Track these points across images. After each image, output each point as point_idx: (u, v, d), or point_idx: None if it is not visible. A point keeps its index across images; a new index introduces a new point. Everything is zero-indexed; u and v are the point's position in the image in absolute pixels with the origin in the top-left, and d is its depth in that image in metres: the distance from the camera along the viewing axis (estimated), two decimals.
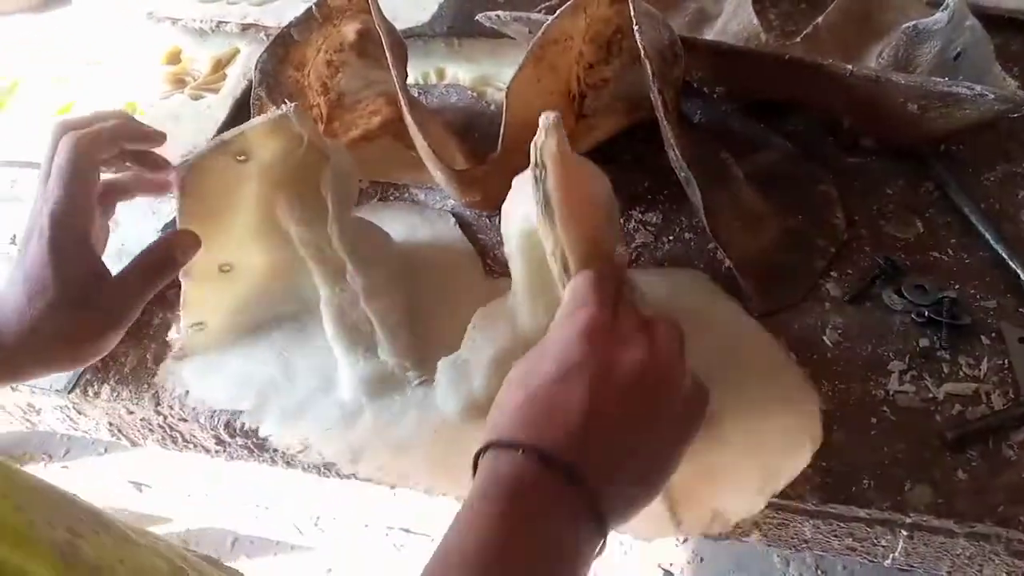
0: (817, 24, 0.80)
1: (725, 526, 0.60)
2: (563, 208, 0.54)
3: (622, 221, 0.77)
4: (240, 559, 1.60)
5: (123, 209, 0.86)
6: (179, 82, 1.02)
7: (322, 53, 0.80)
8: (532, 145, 0.55)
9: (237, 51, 1.02)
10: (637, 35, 0.60)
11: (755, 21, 0.81)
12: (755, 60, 0.71)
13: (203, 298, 0.73)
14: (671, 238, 0.76)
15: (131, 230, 0.85)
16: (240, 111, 0.94)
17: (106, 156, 0.65)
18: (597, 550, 0.46)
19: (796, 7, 0.93)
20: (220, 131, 0.91)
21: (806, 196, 0.74)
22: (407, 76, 0.78)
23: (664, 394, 0.48)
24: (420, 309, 0.73)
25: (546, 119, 0.55)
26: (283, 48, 0.80)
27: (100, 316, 0.63)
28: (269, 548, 1.52)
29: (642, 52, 0.60)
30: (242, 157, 0.65)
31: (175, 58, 1.05)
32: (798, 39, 0.80)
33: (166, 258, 0.66)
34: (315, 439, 0.69)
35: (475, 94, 0.91)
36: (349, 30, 0.79)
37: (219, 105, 0.95)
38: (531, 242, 0.59)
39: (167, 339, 0.77)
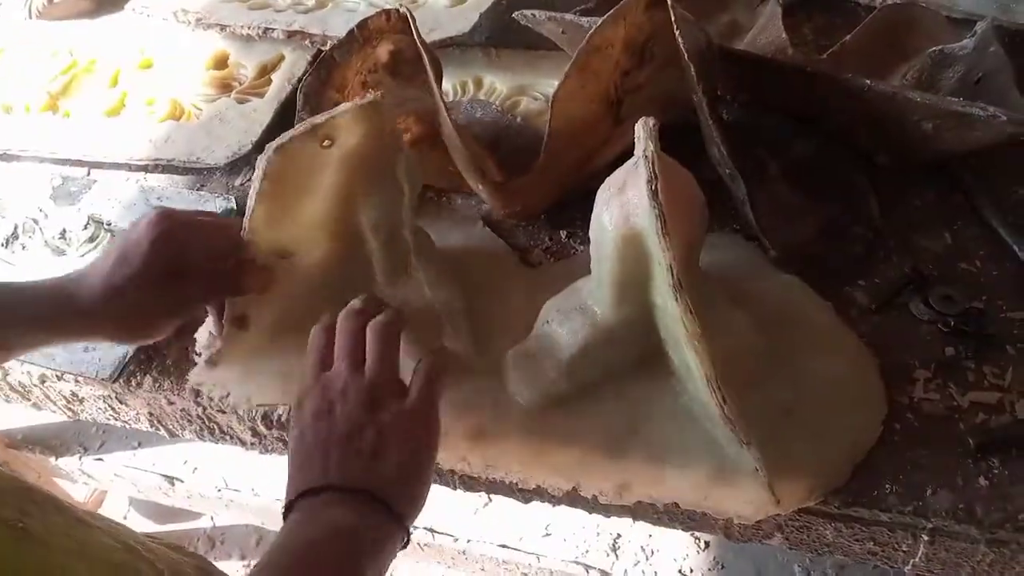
0: (844, 43, 0.81)
1: (819, 499, 0.61)
2: (670, 218, 0.56)
3: None
4: None
5: (168, 206, 0.89)
6: (225, 86, 1.05)
7: (359, 75, 0.83)
8: (643, 156, 0.57)
9: (282, 57, 1.05)
10: (679, 39, 0.62)
11: (783, 35, 0.82)
12: (776, 70, 0.73)
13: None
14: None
15: None
16: (284, 115, 0.97)
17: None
18: (400, 540, 0.59)
19: (831, 22, 0.94)
20: (265, 133, 0.94)
21: (840, 185, 0.76)
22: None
23: (379, 406, 0.60)
24: (470, 303, 0.75)
25: (645, 124, 0.58)
26: (326, 70, 0.82)
27: (167, 304, 0.70)
28: None
29: (684, 56, 0.62)
30: (327, 143, 0.66)
31: (222, 63, 1.08)
32: (824, 55, 0.82)
33: (235, 284, 0.72)
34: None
35: (499, 108, 0.93)
36: (383, 51, 0.81)
37: (264, 109, 0.98)
38: (629, 247, 0.61)
39: (196, 351, 0.78)
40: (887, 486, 0.61)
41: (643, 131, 0.57)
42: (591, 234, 0.65)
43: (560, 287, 0.70)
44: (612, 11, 0.65)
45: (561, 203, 0.81)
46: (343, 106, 0.65)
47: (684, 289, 0.56)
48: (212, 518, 1.59)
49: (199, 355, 0.77)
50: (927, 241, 0.74)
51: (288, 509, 0.58)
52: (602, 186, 0.64)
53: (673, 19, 0.62)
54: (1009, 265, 0.71)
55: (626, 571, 1.07)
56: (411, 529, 0.59)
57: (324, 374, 0.62)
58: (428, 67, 0.74)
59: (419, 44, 0.75)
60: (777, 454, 0.60)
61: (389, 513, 0.57)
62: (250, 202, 0.69)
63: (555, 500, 0.68)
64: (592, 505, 0.67)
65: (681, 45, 0.62)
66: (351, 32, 0.81)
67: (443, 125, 0.76)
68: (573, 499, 0.67)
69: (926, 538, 0.61)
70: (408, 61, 0.81)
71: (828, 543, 0.65)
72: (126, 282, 0.66)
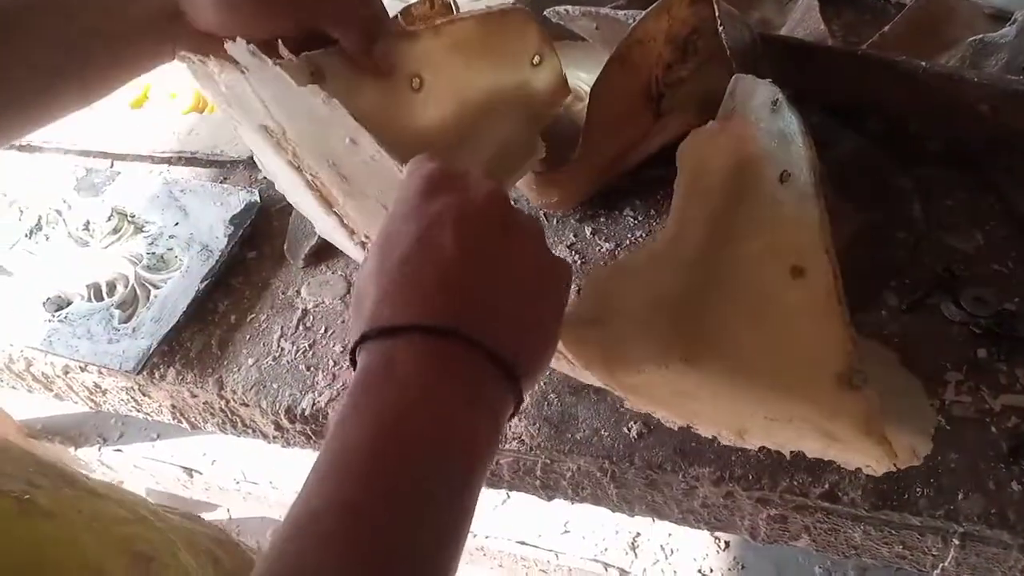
0: (884, 33, 0.80)
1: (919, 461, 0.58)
2: None
3: None
4: None
5: (191, 199, 0.89)
6: None
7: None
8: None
9: None
10: (722, 35, 0.61)
11: (822, 27, 0.81)
12: (826, 57, 0.72)
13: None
14: None
15: (200, 219, 0.88)
16: None
17: None
18: (512, 408, 0.43)
19: (860, 18, 0.93)
20: None
21: (883, 189, 0.74)
22: None
23: (497, 229, 0.44)
24: None
25: None
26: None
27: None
28: None
29: (728, 52, 0.61)
30: (537, 59, 0.71)
31: None
32: (864, 47, 0.80)
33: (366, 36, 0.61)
34: None
35: None
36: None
37: None
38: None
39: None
40: (918, 489, 0.60)
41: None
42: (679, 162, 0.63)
43: None
44: (656, 3, 0.64)
45: (601, 194, 0.81)
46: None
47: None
48: (228, 510, 1.60)
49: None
50: (959, 242, 0.73)
51: (355, 353, 0.42)
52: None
53: (717, 14, 0.61)
54: None
55: (645, 570, 1.06)
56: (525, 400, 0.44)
57: (445, 165, 0.46)
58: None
59: None
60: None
61: (508, 375, 0.42)
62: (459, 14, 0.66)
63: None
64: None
65: (724, 41, 0.61)
66: (394, 18, 0.79)
67: None
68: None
69: (957, 542, 0.60)
70: None
71: (856, 546, 0.65)
72: None
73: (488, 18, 0.64)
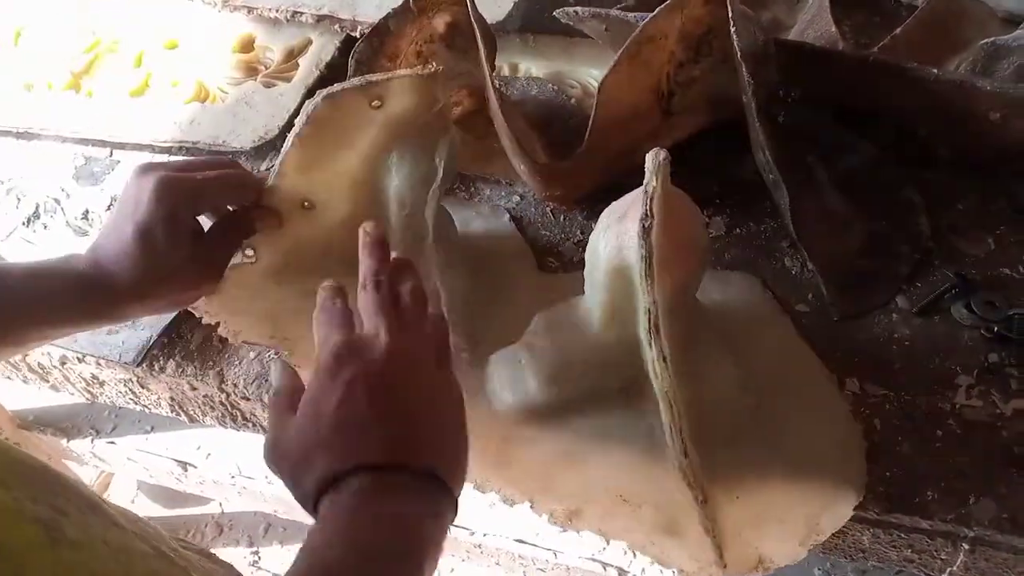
0: (895, 35, 0.80)
1: (766, 572, 0.60)
2: (659, 262, 0.55)
3: None
4: (273, 544, 1.61)
5: None
6: (251, 69, 1.03)
7: (414, 44, 0.82)
8: (643, 192, 0.56)
9: (310, 42, 1.04)
10: (733, 37, 0.61)
11: (833, 29, 0.81)
12: (837, 61, 0.71)
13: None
14: (737, 243, 0.76)
15: None
16: None
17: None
18: (452, 509, 0.52)
19: (870, 20, 0.93)
20: (292, 118, 0.93)
21: (890, 201, 0.74)
22: (495, 68, 0.80)
23: (401, 377, 0.54)
24: (474, 296, 0.74)
25: (656, 156, 0.56)
26: (379, 39, 0.82)
27: (195, 267, 0.67)
28: (302, 533, 1.54)
29: (737, 54, 0.60)
30: (377, 103, 0.66)
31: (248, 46, 1.07)
32: (874, 50, 0.80)
33: (247, 224, 0.70)
34: None
35: (556, 88, 0.92)
36: (440, 22, 0.81)
37: (291, 94, 0.97)
38: (619, 277, 0.60)
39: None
40: (928, 493, 0.59)
41: (651, 164, 0.56)
42: (586, 255, 0.64)
43: (565, 298, 0.69)
44: (670, 1, 0.64)
45: (606, 190, 0.80)
46: (403, 71, 0.66)
47: (660, 336, 0.55)
48: (221, 504, 1.59)
49: None
50: (970, 246, 0.72)
51: (319, 497, 0.50)
52: (606, 209, 0.63)
53: (730, 15, 0.60)
54: None
55: (644, 570, 1.06)
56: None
57: (349, 335, 0.55)
58: (480, 39, 0.74)
59: (472, 17, 0.74)
60: (739, 516, 0.60)
61: (441, 487, 0.51)
62: (286, 144, 0.69)
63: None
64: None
65: (735, 43, 0.61)
66: (406, 2, 0.80)
67: (489, 100, 0.75)
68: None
69: (967, 547, 0.60)
70: (464, 34, 0.81)
71: (864, 549, 0.64)
72: (148, 259, 0.63)
73: (307, 137, 0.68)
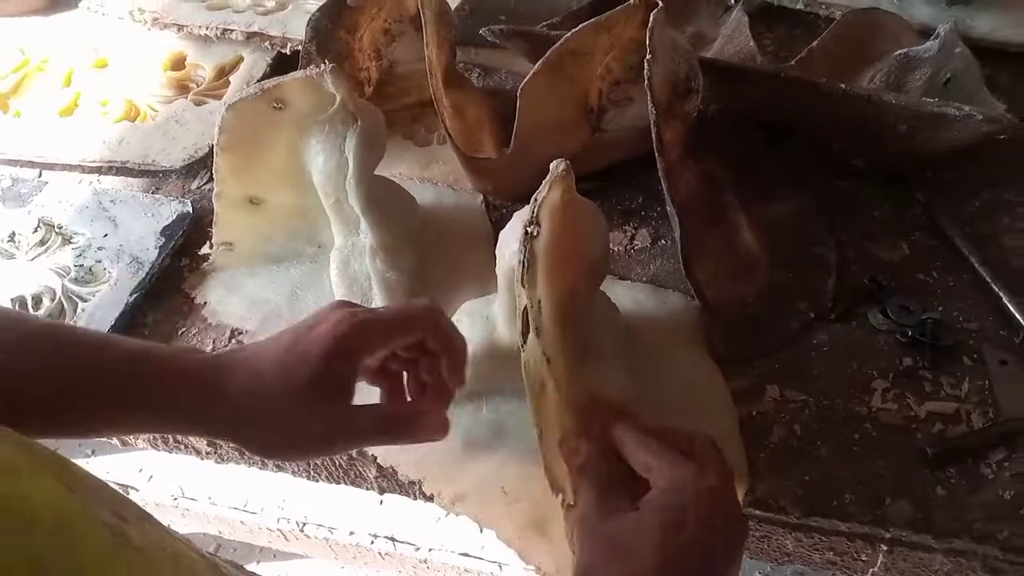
0: (811, 48, 0.82)
1: None
2: (546, 269, 0.56)
3: (623, 233, 0.79)
4: None
5: (122, 209, 0.87)
6: (182, 87, 1.03)
7: (380, 21, 0.84)
8: (533, 198, 0.56)
9: (241, 59, 1.03)
10: (647, 65, 0.61)
11: (752, 44, 0.82)
12: (751, 77, 0.73)
13: (233, 223, 0.80)
14: (660, 256, 0.77)
15: (130, 230, 0.86)
16: None
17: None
18: None
19: (791, 33, 0.95)
20: None
21: (803, 255, 0.73)
22: (455, 54, 0.82)
23: (727, 526, 0.50)
24: (426, 275, 0.77)
25: (555, 168, 0.55)
26: (336, 10, 0.83)
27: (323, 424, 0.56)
28: (252, 554, 1.52)
29: (646, 82, 0.61)
30: (278, 105, 0.71)
31: (179, 64, 1.06)
32: (792, 62, 0.82)
33: (404, 429, 0.58)
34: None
35: None
36: (411, 2, 0.82)
37: (221, 111, 0.96)
38: (511, 278, 0.60)
39: (200, 253, 0.84)
40: (846, 496, 0.61)
41: (551, 172, 0.56)
42: (496, 251, 0.65)
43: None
44: (596, 19, 0.65)
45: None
46: (293, 74, 0.70)
47: (528, 338, 0.55)
48: (169, 526, 1.56)
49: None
50: (885, 252, 0.74)
51: None
52: (517, 212, 0.63)
53: (648, 42, 0.61)
54: (965, 276, 0.72)
55: None
56: None
57: (677, 472, 0.51)
58: (428, 22, 0.75)
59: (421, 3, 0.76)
60: None
61: None
62: (215, 155, 0.75)
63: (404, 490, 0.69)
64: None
65: (646, 70, 0.61)
66: None
67: (432, 88, 0.76)
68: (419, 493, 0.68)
69: (885, 548, 0.61)
70: None
71: (788, 552, 0.66)
72: (281, 392, 0.54)
73: (225, 145, 0.74)
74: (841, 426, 0.64)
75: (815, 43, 0.83)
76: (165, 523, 0.47)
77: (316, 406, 0.54)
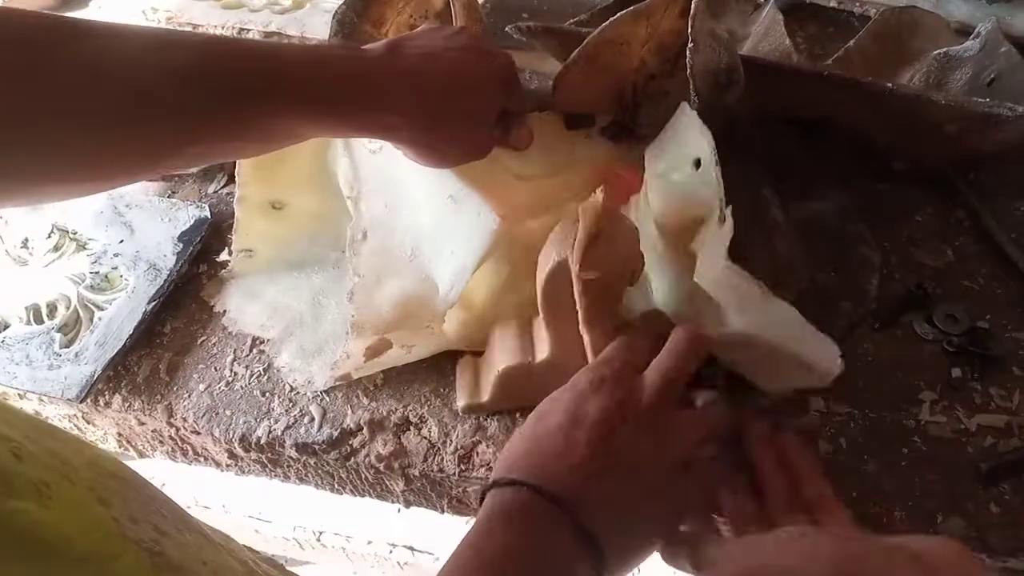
0: (848, 47, 0.79)
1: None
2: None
3: None
4: None
5: (137, 214, 0.85)
6: None
7: (406, 16, 0.81)
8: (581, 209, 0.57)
9: None
10: (688, 53, 0.59)
11: (787, 41, 0.80)
12: (791, 75, 0.70)
13: (254, 228, 0.78)
14: None
15: (147, 236, 0.84)
16: None
17: None
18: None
19: (824, 31, 0.93)
20: None
21: (846, 254, 0.72)
22: None
23: (660, 455, 0.52)
24: None
25: (592, 202, 0.59)
26: (362, 4, 0.81)
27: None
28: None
29: (688, 70, 0.59)
30: None
31: None
32: (828, 61, 0.80)
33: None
34: (319, 380, 0.71)
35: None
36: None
37: None
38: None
39: (218, 260, 0.82)
40: (896, 513, 0.59)
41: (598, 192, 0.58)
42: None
43: None
44: (635, 7, 0.62)
45: None
46: None
47: None
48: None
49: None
50: (929, 257, 0.72)
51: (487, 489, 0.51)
52: (552, 232, 0.63)
53: (690, 30, 0.59)
54: (1013, 283, 0.69)
55: None
56: None
57: (627, 372, 0.55)
58: (455, 17, 0.74)
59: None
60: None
61: (596, 558, 0.49)
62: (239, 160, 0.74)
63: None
64: None
65: (688, 59, 0.59)
66: None
67: None
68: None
69: None
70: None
71: None
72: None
73: None
74: (889, 440, 0.62)
75: (852, 42, 0.80)
76: None
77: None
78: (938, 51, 0.79)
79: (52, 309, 0.80)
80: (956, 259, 0.72)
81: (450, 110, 0.59)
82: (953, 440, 0.62)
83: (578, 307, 0.60)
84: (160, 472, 1.24)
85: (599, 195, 0.58)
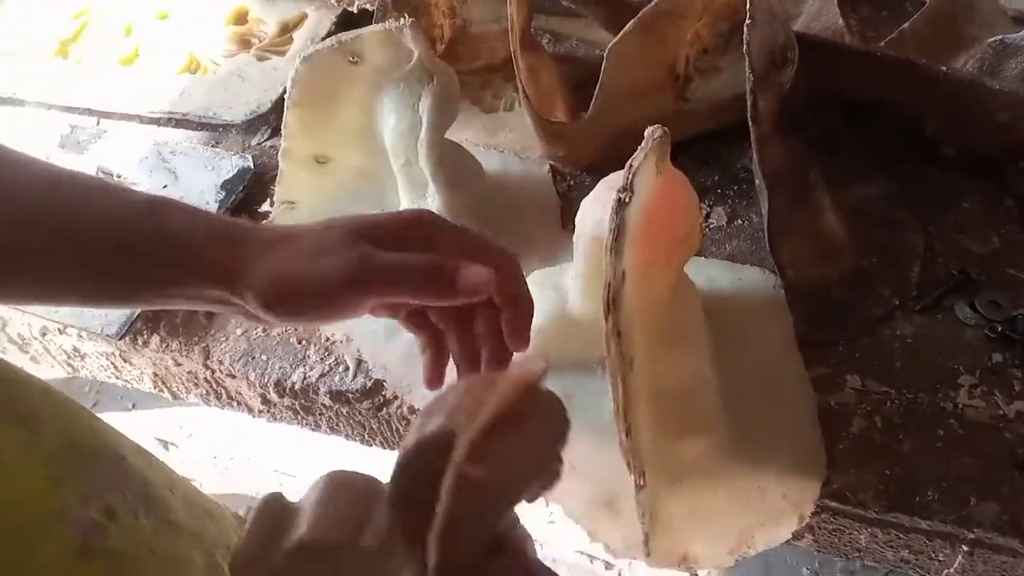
0: (903, 30, 0.78)
1: (688, 571, 0.60)
2: (634, 239, 0.52)
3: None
4: None
5: (182, 161, 0.86)
6: (244, 42, 1.01)
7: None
8: (627, 164, 0.53)
9: (305, 16, 1.01)
10: (746, 28, 0.59)
11: (840, 22, 0.79)
12: (844, 54, 0.70)
13: (298, 181, 0.78)
14: (737, 236, 0.75)
15: (191, 183, 0.85)
16: None
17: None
18: None
19: (877, 14, 0.91)
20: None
21: (889, 241, 0.71)
22: (531, 18, 0.79)
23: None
24: None
25: (651, 134, 0.53)
26: None
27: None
28: None
29: (744, 46, 0.59)
30: (354, 59, 0.70)
31: (241, 18, 1.04)
32: (881, 44, 0.79)
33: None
34: (357, 342, 0.71)
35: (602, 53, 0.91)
36: None
37: (285, 68, 0.95)
38: (596, 247, 0.58)
39: (260, 210, 0.83)
40: (929, 493, 0.58)
41: (647, 137, 0.53)
42: (576, 220, 0.63)
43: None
44: None
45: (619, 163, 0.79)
46: (372, 27, 0.69)
47: (616, 311, 0.52)
48: (201, 485, 1.56)
49: None
50: (974, 244, 0.71)
51: None
52: (604, 178, 0.61)
53: (749, 7, 0.58)
54: None
55: (630, 563, 1.05)
56: None
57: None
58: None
59: None
60: (676, 509, 0.59)
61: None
62: (285, 109, 0.74)
63: None
64: None
65: (745, 35, 0.59)
66: None
67: (513, 50, 0.74)
68: None
69: (965, 549, 0.59)
70: None
71: (860, 548, 0.63)
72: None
73: (298, 100, 0.73)
74: (925, 421, 0.62)
75: (906, 25, 0.79)
76: (199, 481, 0.44)
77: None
78: (993, 38, 0.77)
79: None
80: (1002, 246, 0.71)
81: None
82: (990, 425, 0.61)
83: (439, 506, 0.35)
84: (189, 422, 1.26)
85: (534, 365, 0.39)
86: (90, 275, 0.46)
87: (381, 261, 0.46)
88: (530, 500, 0.40)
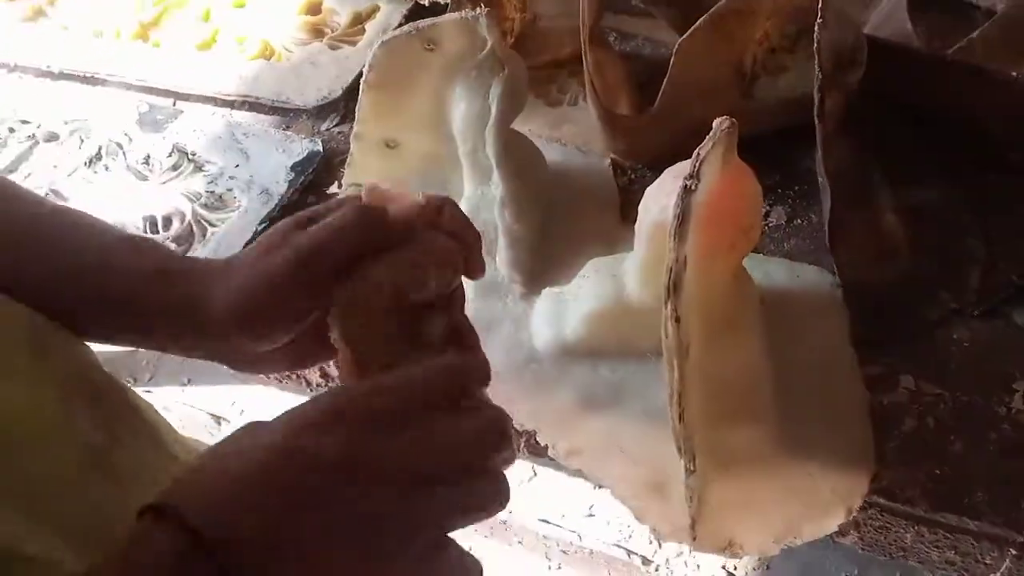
0: (972, 38, 0.78)
1: (734, 556, 0.61)
2: (699, 226, 0.54)
3: None
4: None
5: (254, 142, 0.89)
6: (317, 32, 1.04)
7: None
8: (695, 152, 0.54)
9: (377, 8, 1.04)
10: (817, 28, 0.60)
11: (908, 26, 0.79)
12: (913, 58, 0.70)
13: (367, 164, 0.81)
14: (796, 235, 0.75)
15: (262, 163, 0.88)
16: None
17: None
18: None
19: (944, 22, 0.91)
20: (357, 80, 0.93)
21: (950, 245, 0.71)
22: (601, 14, 0.81)
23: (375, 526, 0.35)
24: (550, 232, 0.77)
25: (719, 125, 0.54)
26: None
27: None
28: None
29: (815, 45, 0.60)
30: (430, 46, 0.72)
31: (315, 8, 1.07)
32: (950, 51, 0.79)
33: None
34: None
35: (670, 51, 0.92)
36: None
37: (356, 58, 0.98)
38: (659, 233, 0.59)
39: (328, 192, 0.86)
40: (978, 494, 0.59)
41: (715, 128, 0.54)
42: (639, 208, 0.64)
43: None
44: None
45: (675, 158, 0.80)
46: (448, 15, 0.70)
47: (676, 296, 0.53)
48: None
49: None
50: None
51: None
52: (670, 168, 0.63)
53: (820, 6, 0.59)
54: None
55: (668, 560, 1.05)
56: None
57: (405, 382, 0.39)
58: None
59: None
60: (724, 495, 0.60)
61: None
62: (360, 93, 0.76)
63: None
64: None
65: (816, 34, 0.60)
66: None
67: (583, 44, 0.76)
68: (528, 442, 0.67)
69: (1014, 552, 0.59)
70: None
71: (904, 547, 0.64)
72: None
73: (373, 84, 0.75)
74: (977, 424, 0.62)
75: (975, 33, 0.79)
76: None
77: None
78: None
79: (168, 222, 0.85)
80: None
81: None
82: None
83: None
84: (241, 398, 1.29)
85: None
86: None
87: (315, 233, 0.44)
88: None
